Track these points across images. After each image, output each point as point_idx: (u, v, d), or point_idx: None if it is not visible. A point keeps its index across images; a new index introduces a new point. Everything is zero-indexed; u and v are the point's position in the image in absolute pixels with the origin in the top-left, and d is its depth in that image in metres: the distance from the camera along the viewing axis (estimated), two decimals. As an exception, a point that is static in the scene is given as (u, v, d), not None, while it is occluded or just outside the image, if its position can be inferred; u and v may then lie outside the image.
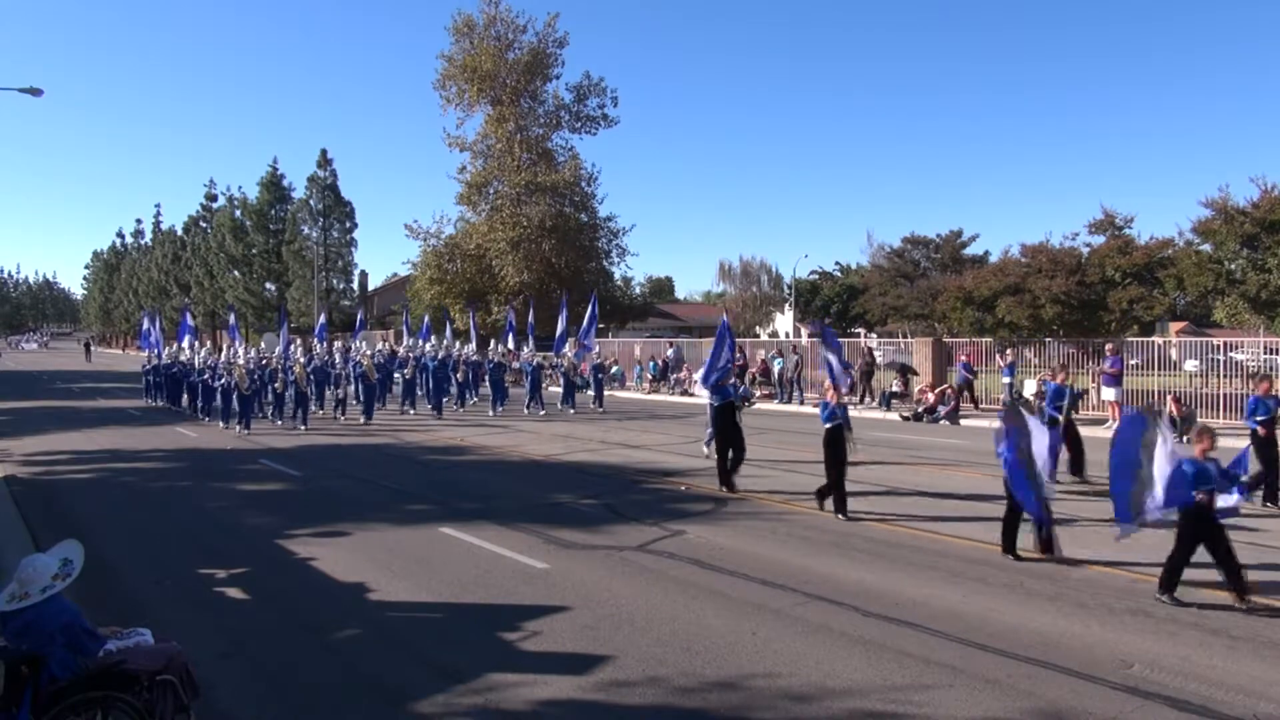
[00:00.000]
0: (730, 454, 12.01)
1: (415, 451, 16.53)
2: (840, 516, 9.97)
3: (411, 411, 23.76)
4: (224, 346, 27.18)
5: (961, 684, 5.25)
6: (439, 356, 24.48)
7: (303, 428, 19.96)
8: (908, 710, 4.92)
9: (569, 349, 25.62)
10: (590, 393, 25.49)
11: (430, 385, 23.94)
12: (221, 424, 20.39)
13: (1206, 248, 22.42)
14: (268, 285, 65.46)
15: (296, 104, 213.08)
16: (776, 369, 27.21)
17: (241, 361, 20.66)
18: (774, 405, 26.17)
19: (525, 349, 26.75)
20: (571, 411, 23.44)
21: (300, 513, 10.69)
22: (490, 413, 23.01)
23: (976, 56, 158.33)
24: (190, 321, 31.79)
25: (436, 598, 7.22)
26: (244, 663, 5.84)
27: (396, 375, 25.73)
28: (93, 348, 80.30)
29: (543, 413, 23.07)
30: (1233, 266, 21.76)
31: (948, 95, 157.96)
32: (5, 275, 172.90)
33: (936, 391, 22.21)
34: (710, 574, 7.71)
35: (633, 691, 5.21)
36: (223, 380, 20.39)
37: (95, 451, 16.68)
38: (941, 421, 21.21)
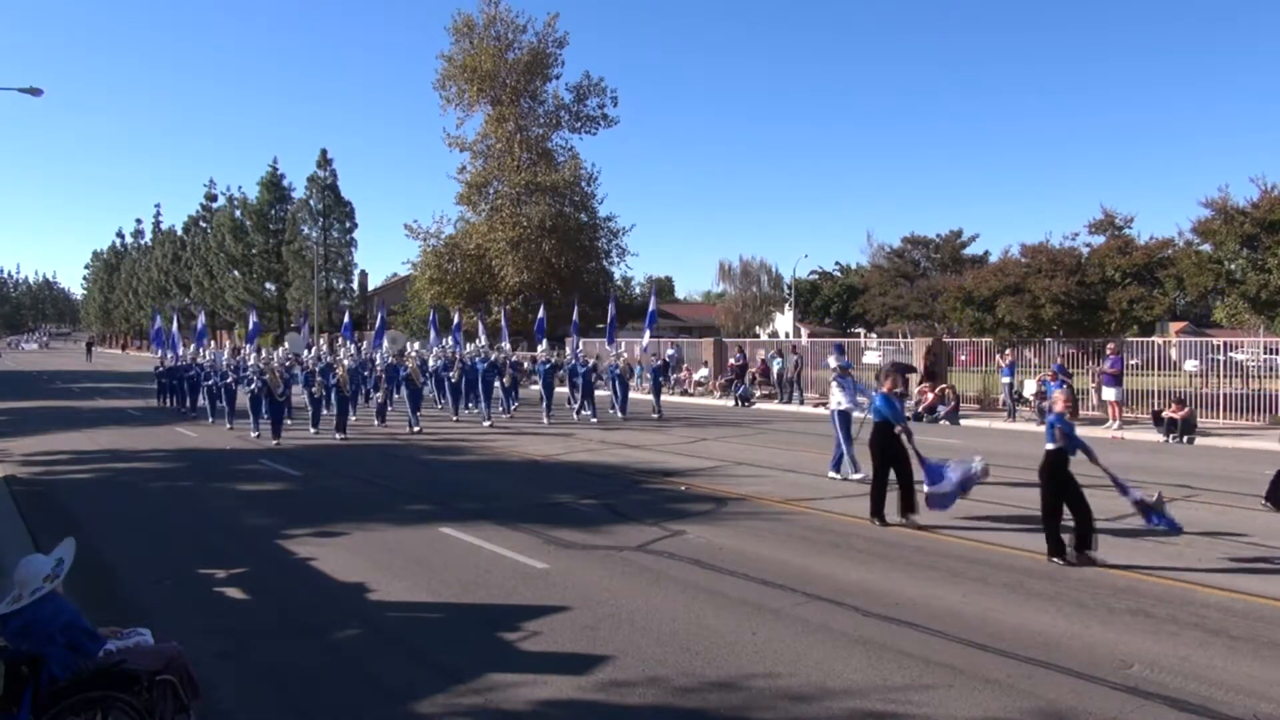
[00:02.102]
0: (887, 481, 9.83)
1: (415, 451, 16.52)
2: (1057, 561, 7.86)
3: (455, 418, 21.88)
4: (240, 348, 26.15)
5: (961, 684, 5.24)
6: (490, 358, 22.28)
7: (339, 436, 18.22)
8: (908, 710, 4.91)
9: (622, 350, 23.84)
10: (646, 396, 23.46)
11: (481, 389, 21.75)
12: (253, 432, 18.56)
13: (1206, 248, 22.41)
14: (268, 285, 65.56)
15: (296, 104, 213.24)
16: (776, 369, 27.22)
17: (277, 364, 18.75)
18: (774, 405, 26.18)
19: (574, 350, 24.51)
20: (621, 417, 21.69)
21: (300, 513, 10.69)
22: (545, 420, 20.93)
23: (976, 58, 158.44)
24: (204, 322, 30.11)
25: (436, 598, 7.22)
26: (244, 663, 5.83)
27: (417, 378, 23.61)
28: (94, 348, 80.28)
29: (594, 420, 21.15)
30: (1233, 266, 21.75)
31: (948, 96, 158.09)
32: (5, 275, 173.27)
33: (936, 391, 22.21)
34: (710, 574, 7.70)
35: (633, 691, 5.21)
36: (254, 385, 18.50)
37: (95, 451, 16.69)
38: (941, 421, 21.21)
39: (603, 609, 6.74)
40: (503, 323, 29.03)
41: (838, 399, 12.67)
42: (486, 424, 20.55)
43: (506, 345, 26.23)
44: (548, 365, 22.12)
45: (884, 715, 4.88)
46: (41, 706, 4.05)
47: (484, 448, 16.80)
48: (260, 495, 12.18)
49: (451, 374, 22.20)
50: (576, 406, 21.97)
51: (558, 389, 22.96)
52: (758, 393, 27.19)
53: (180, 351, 26.56)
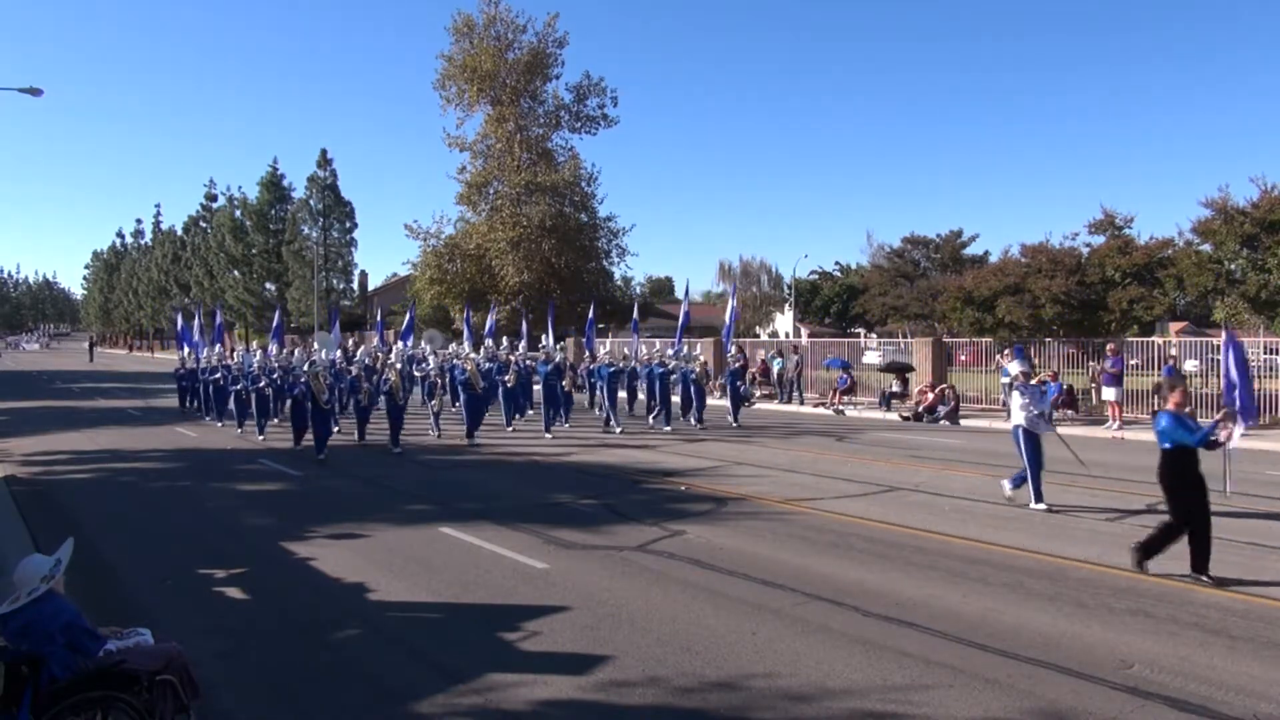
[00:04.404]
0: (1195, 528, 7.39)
1: (415, 451, 16.49)
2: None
3: (513, 428, 19.52)
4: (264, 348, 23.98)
5: (961, 684, 5.24)
6: (554, 361, 19.79)
7: (396, 450, 16.09)
8: (908, 710, 4.91)
9: (699, 352, 21.69)
10: (725, 402, 21.22)
11: (543, 397, 19.26)
12: (295, 443, 16.47)
13: (1206, 248, 22.43)
14: (268, 285, 65.57)
15: (296, 104, 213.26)
16: (776, 369, 27.23)
17: (320, 368, 16.39)
18: (774, 405, 26.19)
19: (643, 350, 22.07)
20: (699, 428, 19.42)
21: (300, 513, 10.69)
22: (616, 429, 18.91)
23: (976, 59, 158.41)
24: (221, 320, 27.75)
25: (436, 598, 7.22)
26: (244, 662, 5.83)
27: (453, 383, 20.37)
28: (95, 348, 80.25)
29: (668, 429, 19.10)
30: (1233, 266, 21.77)
31: (948, 96, 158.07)
32: (5, 275, 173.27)
33: (936, 391, 22.22)
34: (710, 574, 7.70)
35: (633, 691, 5.21)
36: (295, 390, 16.31)
37: (95, 451, 16.67)
38: (941, 421, 21.22)
39: (603, 609, 6.74)
40: (549, 321, 26.65)
41: (1023, 413, 10.60)
42: (549, 435, 18.37)
43: (551, 345, 23.60)
44: (612, 369, 19.88)
45: (884, 715, 4.88)
46: (41, 706, 4.05)
47: (484, 448, 16.77)
48: (260, 495, 12.18)
49: (507, 378, 19.61)
50: (656, 413, 20.02)
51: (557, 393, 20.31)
52: (758, 393, 27.18)
53: (203, 353, 24.03)
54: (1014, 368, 11.19)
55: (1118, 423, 18.96)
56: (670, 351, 21.52)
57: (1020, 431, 10.55)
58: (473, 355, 19.91)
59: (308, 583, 7.73)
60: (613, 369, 20.10)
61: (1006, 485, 10.75)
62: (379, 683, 5.45)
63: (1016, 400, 10.79)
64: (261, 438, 18.19)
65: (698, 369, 20.54)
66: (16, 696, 3.98)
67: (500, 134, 41.88)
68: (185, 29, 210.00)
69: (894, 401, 23.59)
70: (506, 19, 41.31)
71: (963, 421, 21.27)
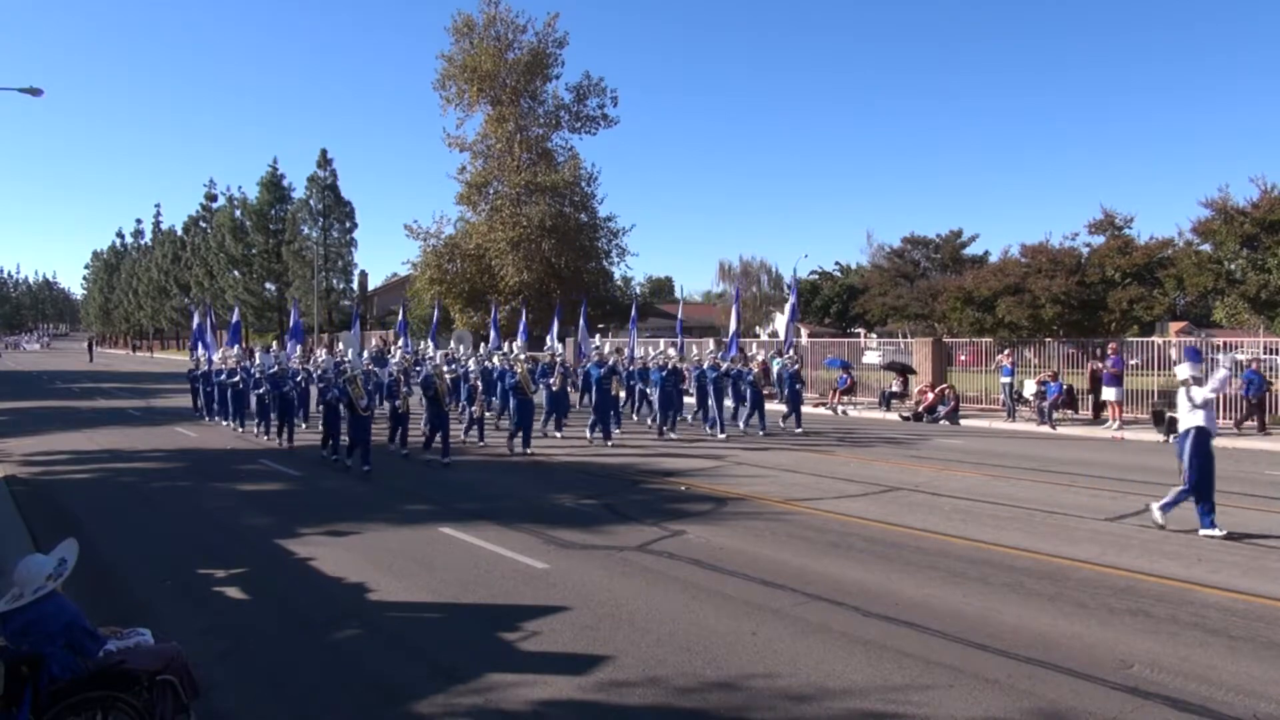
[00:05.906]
0: None
1: (415, 451, 16.46)
2: None
3: (559, 434, 18.24)
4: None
5: (961, 684, 5.24)
6: (609, 362, 18.20)
7: (444, 460, 14.60)
8: (908, 710, 4.91)
9: (755, 352, 20.51)
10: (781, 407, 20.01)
11: (592, 401, 17.80)
12: (324, 452, 15.23)
13: (1206, 248, 22.44)
14: (268, 285, 65.56)
15: (296, 105, 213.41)
16: (776, 369, 27.19)
17: (358, 371, 14.93)
18: (774, 405, 26.15)
19: (695, 350, 20.77)
20: (760, 434, 18.28)
21: (300, 513, 10.69)
22: (670, 433, 17.92)
23: (977, 59, 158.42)
24: (238, 321, 27.13)
25: (436, 598, 7.22)
26: (244, 662, 5.83)
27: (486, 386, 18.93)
28: (94, 348, 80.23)
29: (723, 436, 17.93)
30: (1232, 266, 21.78)
31: (948, 96, 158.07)
32: (5, 275, 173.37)
33: (936, 391, 22.23)
34: (710, 574, 7.70)
35: (632, 691, 5.21)
36: (330, 394, 15.02)
37: (95, 451, 16.67)
38: (941, 421, 21.22)
39: (603, 609, 6.74)
40: (581, 319, 25.61)
41: (1203, 412, 9.19)
42: (609, 443, 16.84)
43: (602, 347, 21.92)
44: (664, 372, 18.61)
45: (884, 715, 4.88)
46: (42, 706, 4.06)
47: (482, 447, 16.75)
48: (260, 495, 12.18)
49: (553, 381, 18.49)
50: (708, 419, 19.06)
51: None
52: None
53: (216, 355, 22.80)
54: (1184, 370, 9.66)
55: (1118, 423, 18.96)
56: (722, 354, 20.45)
57: (1194, 436, 9.01)
58: (521, 357, 18.31)
59: (308, 583, 7.73)
60: (663, 372, 18.62)
61: (1156, 509, 9.28)
62: (379, 683, 5.45)
63: (1186, 405, 9.31)
64: (287, 444, 17.00)
65: (756, 370, 19.03)
66: (17, 696, 3.99)
67: (500, 134, 41.90)
68: (185, 29, 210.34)
69: (894, 401, 23.60)
70: (506, 19, 41.38)
71: (963, 421, 21.27)
